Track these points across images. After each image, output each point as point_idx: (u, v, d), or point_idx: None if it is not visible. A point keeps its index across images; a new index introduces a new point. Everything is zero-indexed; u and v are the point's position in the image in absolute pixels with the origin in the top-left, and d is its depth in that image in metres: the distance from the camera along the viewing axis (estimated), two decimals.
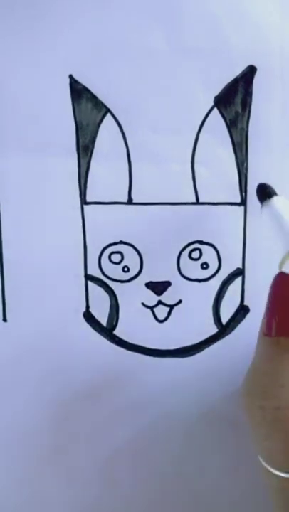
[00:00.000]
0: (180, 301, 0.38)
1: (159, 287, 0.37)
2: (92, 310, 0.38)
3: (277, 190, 0.36)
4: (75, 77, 0.34)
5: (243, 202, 0.36)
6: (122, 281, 0.38)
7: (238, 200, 0.36)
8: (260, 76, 0.34)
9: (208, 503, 0.40)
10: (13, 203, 0.36)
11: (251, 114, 0.35)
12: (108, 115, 0.35)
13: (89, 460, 0.40)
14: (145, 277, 0.37)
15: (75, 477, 0.40)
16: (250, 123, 0.35)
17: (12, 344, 0.38)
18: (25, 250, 0.37)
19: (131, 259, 0.37)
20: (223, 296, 0.38)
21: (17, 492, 0.40)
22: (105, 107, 0.35)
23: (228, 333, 0.38)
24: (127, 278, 0.37)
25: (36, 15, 0.33)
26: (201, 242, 0.37)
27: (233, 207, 0.36)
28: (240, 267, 0.37)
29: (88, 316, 0.38)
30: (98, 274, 0.37)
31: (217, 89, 0.35)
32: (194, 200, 0.36)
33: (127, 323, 0.38)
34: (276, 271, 0.37)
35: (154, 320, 0.38)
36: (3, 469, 0.40)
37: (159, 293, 0.37)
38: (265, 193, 0.33)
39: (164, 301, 0.38)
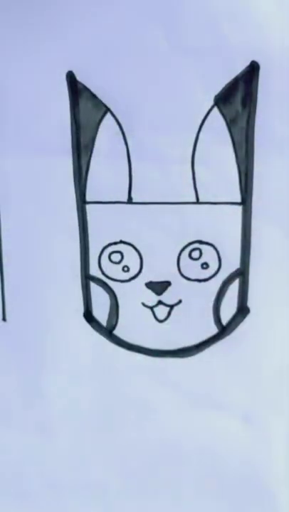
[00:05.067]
0: (180, 301, 0.38)
1: (159, 287, 0.37)
2: (92, 310, 0.38)
3: (277, 189, 0.36)
4: (75, 76, 0.34)
5: (244, 201, 0.36)
6: (122, 281, 0.37)
7: (239, 200, 0.36)
8: (260, 75, 0.34)
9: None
10: (13, 202, 0.36)
11: (251, 113, 0.35)
12: (108, 114, 0.35)
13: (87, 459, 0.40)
14: (145, 277, 0.37)
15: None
16: (251, 122, 0.35)
17: (12, 344, 0.38)
18: (25, 250, 0.37)
19: (131, 259, 0.37)
20: (223, 296, 0.37)
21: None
22: (105, 106, 0.35)
23: (228, 334, 0.38)
24: (127, 278, 0.37)
25: (36, 14, 0.33)
26: (201, 242, 0.37)
27: (234, 206, 0.36)
28: (241, 267, 0.37)
29: (88, 316, 0.38)
30: (98, 274, 0.37)
31: (217, 89, 0.34)
32: (194, 200, 0.36)
33: (127, 322, 0.38)
34: (277, 271, 0.37)
35: (154, 320, 0.38)
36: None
37: (159, 293, 0.37)
38: None
39: (164, 301, 0.38)
